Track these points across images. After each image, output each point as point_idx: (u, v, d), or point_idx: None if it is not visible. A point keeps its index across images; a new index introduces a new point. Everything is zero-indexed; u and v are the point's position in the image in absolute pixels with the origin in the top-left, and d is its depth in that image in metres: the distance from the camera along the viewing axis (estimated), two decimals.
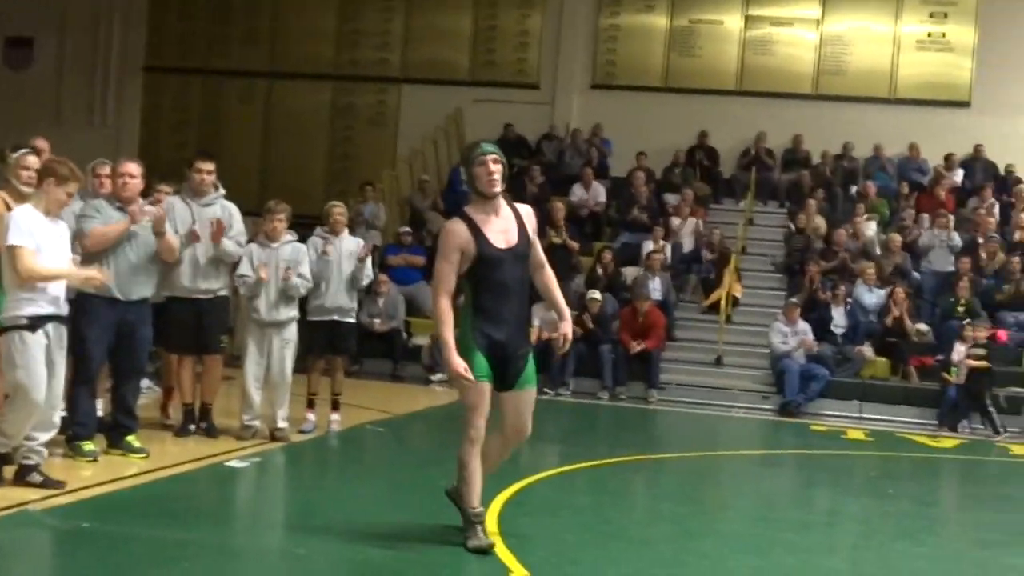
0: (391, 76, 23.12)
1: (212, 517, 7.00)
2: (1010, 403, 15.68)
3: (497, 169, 5.94)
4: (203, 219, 9.52)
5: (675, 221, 19.53)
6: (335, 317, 10.58)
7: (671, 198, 20.36)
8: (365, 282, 10.77)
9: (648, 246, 18.49)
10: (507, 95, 22.26)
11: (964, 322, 16.21)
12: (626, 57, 22.41)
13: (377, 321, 16.83)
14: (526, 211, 6.19)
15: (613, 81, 22.41)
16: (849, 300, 17.33)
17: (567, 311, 6.28)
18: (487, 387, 5.91)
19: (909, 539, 7.68)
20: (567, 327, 6.22)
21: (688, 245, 19.34)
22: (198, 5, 23.78)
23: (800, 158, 21.69)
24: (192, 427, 9.88)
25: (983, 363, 15.48)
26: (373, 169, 21.51)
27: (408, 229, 19.00)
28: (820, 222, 19.53)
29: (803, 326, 16.53)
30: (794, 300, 16.97)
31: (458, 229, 5.92)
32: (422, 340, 17.14)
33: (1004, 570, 6.95)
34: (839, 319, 17.07)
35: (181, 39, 23.81)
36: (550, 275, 6.35)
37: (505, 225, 5.99)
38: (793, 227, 19.65)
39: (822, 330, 16.90)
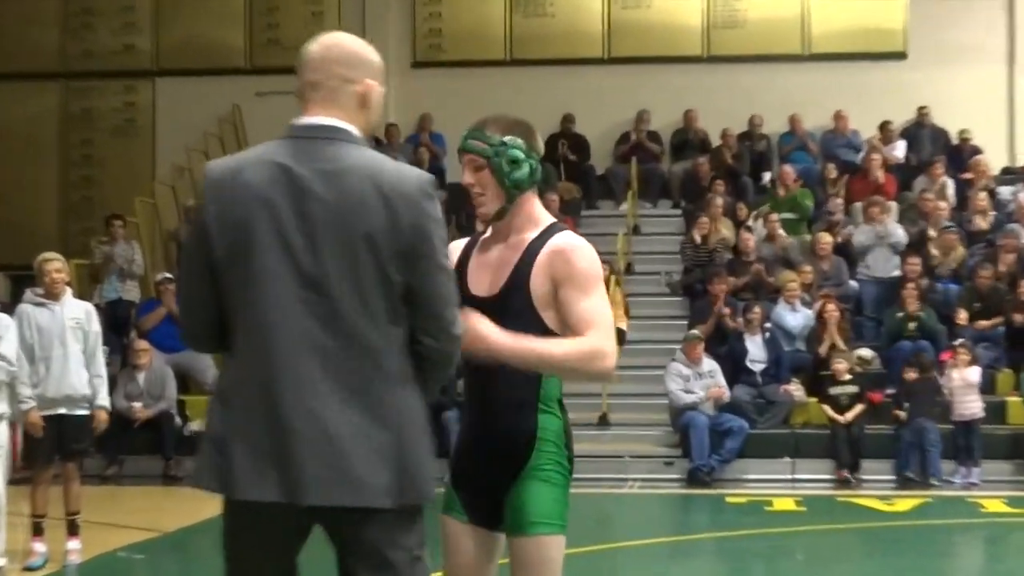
0: (140, 68, 22.98)
1: None
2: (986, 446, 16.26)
3: (471, 179, 4.93)
4: None
5: None
6: (62, 410, 10.51)
7: None
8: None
9: None
10: None
11: (957, 343, 16.66)
12: (455, 24, 22.63)
13: (138, 405, 16.64)
14: (556, 247, 4.95)
15: (440, 56, 22.61)
16: (768, 325, 17.63)
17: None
18: (450, 524, 5.11)
19: None
20: None
21: None
22: None
23: (694, 141, 22.09)
24: None
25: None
26: (124, 196, 21.17)
27: (169, 275, 18.69)
28: (726, 224, 19.86)
29: (710, 366, 16.76)
30: (696, 332, 17.15)
31: (450, 250, 4.82)
32: (202, 425, 16.93)
33: None
34: (756, 352, 17.32)
35: None
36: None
37: (501, 259, 5.06)
38: (691, 233, 19.92)
39: (736, 368, 17.15)
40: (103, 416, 10.82)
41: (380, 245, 3.85)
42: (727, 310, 17.84)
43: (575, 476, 4.95)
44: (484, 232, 5.13)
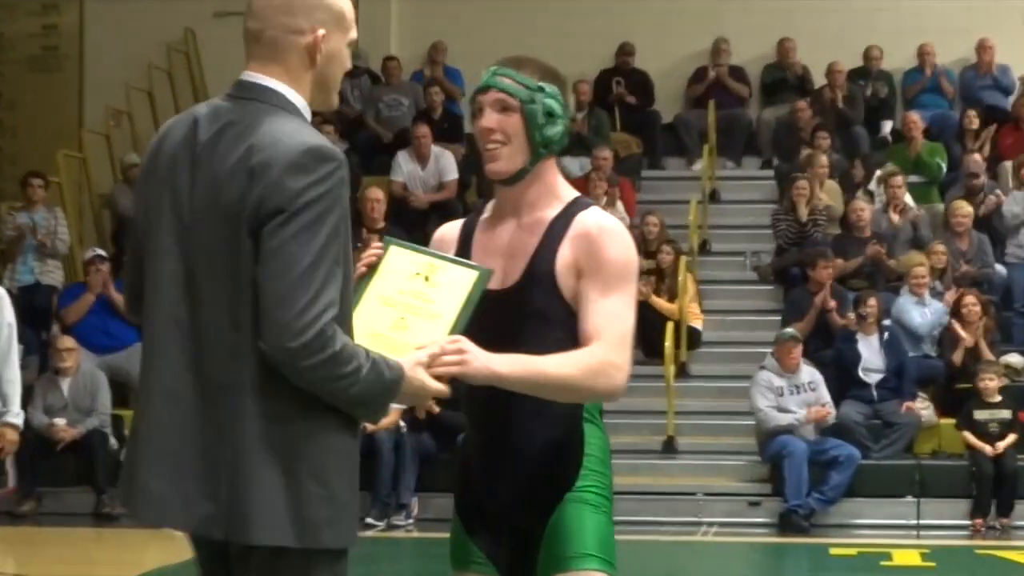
0: None
1: None
2: None
3: (494, 122, 4.97)
4: None
5: None
6: None
7: (572, 165, 20.41)
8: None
9: None
10: None
11: None
12: None
13: (61, 422, 16.70)
14: (583, 228, 5.04)
15: None
16: (887, 323, 17.59)
17: None
18: None
19: None
20: None
21: None
22: None
23: (791, 79, 22.23)
24: None
25: None
26: (43, 148, 21.37)
27: (102, 252, 18.86)
28: (832, 189, 19.96)
29: (810, 376, 16.78)
30: (792, 331, 17.13)
31: (440, 239, 5.22)
32: None
33: None
34: (872, 358, 17.27)
35: None
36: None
37: (514, 244, 5.13)
38: (786, 201, 19.88)
39: (845, 380, 17.16)
40: (12, 437, 10.73)
41: (236, 228, 4.02)
42: (833, 303, 17.79)
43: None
44: (482, 212, 5.21)
